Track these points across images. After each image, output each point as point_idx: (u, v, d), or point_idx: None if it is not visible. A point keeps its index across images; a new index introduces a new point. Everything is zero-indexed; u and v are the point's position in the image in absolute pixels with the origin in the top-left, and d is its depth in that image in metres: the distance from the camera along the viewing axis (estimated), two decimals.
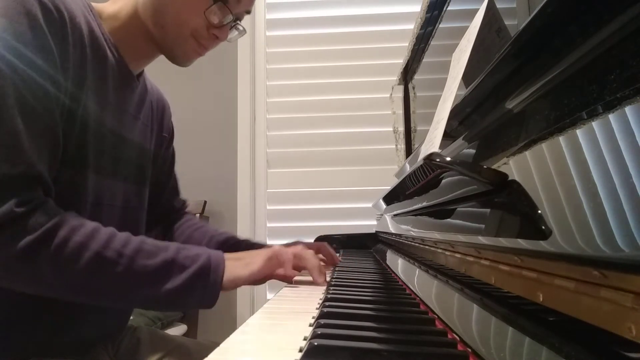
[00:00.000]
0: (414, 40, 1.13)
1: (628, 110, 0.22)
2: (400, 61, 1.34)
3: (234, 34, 0.80)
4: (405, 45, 1.24)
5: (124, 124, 0.77)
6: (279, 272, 0.71)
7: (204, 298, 0.62)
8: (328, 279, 0.77)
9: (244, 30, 0.80)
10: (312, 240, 1.29)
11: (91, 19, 0.68)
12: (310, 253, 0.78)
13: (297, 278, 0.78)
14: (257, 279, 0.69)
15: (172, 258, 0.61)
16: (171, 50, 0.75)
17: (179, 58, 0.76)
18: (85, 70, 0.65)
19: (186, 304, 0.65)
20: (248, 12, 0.79)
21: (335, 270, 0.88)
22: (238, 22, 0.78)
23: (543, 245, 0.25)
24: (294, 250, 0.76)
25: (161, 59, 0.79)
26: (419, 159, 0.60)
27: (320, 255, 0.96)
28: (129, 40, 0.74)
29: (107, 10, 0.73)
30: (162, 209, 0.97)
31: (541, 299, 0.27)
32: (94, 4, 0.72)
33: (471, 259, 0.41)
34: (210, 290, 0.62)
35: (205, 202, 1.86)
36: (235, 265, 0.66)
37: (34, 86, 0.57)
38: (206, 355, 0.36)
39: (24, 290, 0.58)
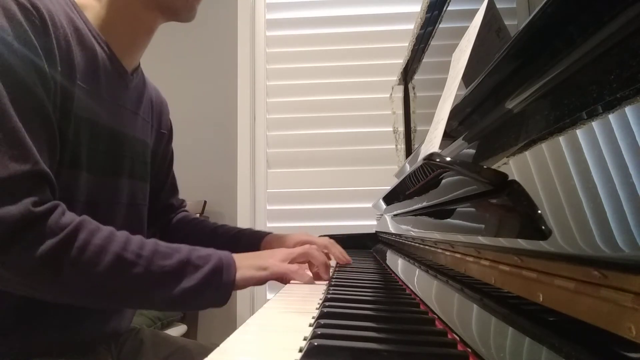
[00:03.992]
0: (414, 40, 1.13)
1: (628, 110, 0.22)
2: (400, 61, 1.34)
3: None
4: (405, 45, 1.24)
5: (122, 120, 0.76)
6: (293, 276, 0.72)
7: (217, 296, 0.64)
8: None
9: None
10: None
11: (75, 16, 0.66)
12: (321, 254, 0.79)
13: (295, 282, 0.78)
14: (269, 280, 0.70)
15: (187, 258, 0.63)
16: (172, 4, 0.73)
17: (182, 10, 0.74)
18: (73, 68, 0.64)
19: (201, 303, 0.66)
20: None
21: (336, 270, 0.88)
22: None
23: (543, 245, 0.25)
24: (320, 260, 0.77)
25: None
26: (419, 159, 0.60)
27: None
28: (119, 28, 0.72)
29: (90, 2, 0.71)
30: (161, 206, 0.97)
31: (541, 299, 0.27)
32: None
33: (471, 259, 0.41)
34: (224, 289, 0.64)
35: (205, 202, 1.86)
36: (246, 265, 0.67)
37: (23, 83, 0.55)
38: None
39: (44, 297, 0.57)
